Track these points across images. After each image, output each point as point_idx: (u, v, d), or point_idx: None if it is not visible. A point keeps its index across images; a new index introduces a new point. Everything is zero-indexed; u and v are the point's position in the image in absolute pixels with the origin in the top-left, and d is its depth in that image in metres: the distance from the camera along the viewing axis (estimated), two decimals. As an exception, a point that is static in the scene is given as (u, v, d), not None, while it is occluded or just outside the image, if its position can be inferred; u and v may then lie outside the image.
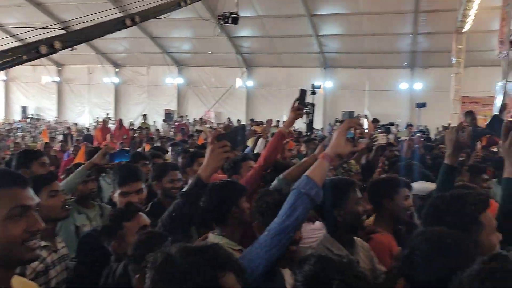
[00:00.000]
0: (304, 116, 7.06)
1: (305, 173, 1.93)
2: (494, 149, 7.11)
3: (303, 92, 3.12)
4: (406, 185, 2.80)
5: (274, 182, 2.64)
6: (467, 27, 14.94)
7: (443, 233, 1.65)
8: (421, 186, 3.49)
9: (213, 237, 2.34)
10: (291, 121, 3.16)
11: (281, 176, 2.67)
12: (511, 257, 0.84)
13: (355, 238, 2.39)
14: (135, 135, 12.72)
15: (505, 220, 2.02)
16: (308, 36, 19.37)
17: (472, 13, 13.66)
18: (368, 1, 16.67)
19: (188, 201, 2.16)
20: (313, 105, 7.57)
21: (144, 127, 15.62)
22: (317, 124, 18.75)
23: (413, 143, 4.89)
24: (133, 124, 18.48)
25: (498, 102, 8.39)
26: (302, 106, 3.08)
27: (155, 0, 8.74)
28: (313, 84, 7.16)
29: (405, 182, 2.83)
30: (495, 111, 8.10)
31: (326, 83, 21.14)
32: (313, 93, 7.36)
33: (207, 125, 18.49)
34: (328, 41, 20.13)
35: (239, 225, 2.35)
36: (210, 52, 21.82)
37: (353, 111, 19.26)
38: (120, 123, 14.42)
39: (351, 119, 2.15)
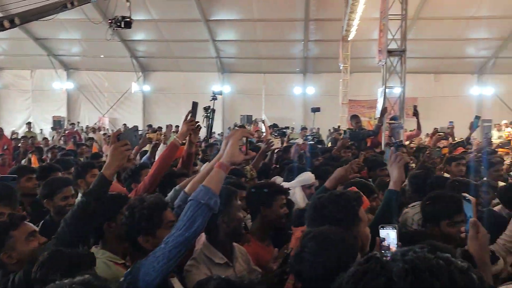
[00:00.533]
0: (204, 120, 7.07)
1: (203, 183, 1.97)
2: (378, 150, 7.76)
3: (195, 105, 3.23)
4: (283, 191, 2.90)
5: (171, 193, 2.60)
6: (351, 36, 16.12)
7: (327, 231, 1.81)
8: (305, 177, 3.92)
9: (96, 251, 2.30)
10: (184, 134, 3.20)
11: (177, 187, 2.64)
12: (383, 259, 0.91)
13: (233, 243, 2.43)
14: (18, 145, 11.64)
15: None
16: (205, 41, 19.42)
17: (355, 23, 14.78)
18: (262, 8, 17.20)
19: (92, 200, 2.17)
20: (213, 111, 7.60)
21: (29, 136, 14.35)
22: (217, 128, 18.87)
23: (300, 148, 5.19)
24: (16, 133, 16.91)
25: (379, 105, 9.19)
26: (194, 119, 3.15)
27: (40, 0, 8.08)
28: (213, 91, 7.20)
29: (283, 189, 2.94)
30: (378, 114, 8.85)
31: (224, 88, 21.35)
32: (214, 99, 7.39)
33: (101, 132, 17.60)
34: (225, 46, 20.38)
35: (119, 240, 2.30)
36: (102, 56, 20.82)
37: (251, 115, 19.71)
38: (-1, 132, 13.07)
39: (243, 129, 2.24)
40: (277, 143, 4.59)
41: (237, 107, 21.72)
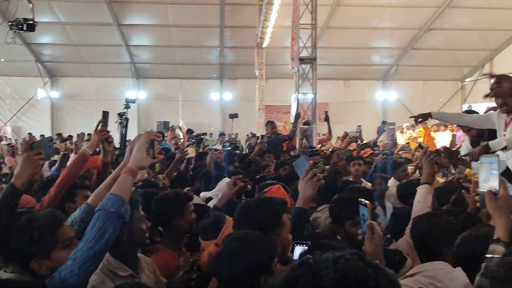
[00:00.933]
0: (119, 127, 6.83)
1: (110, 191, 1.88)
2: (293, 153, 8.02)
3: (106, 114, 3.13)
4: (190, 197, 2.92)
5: (76, 212, 2.45)
6: (266, 43, 16.55)
7: (248, 233, 1.87)
8: (224, 184, 3.87)
9: (1, 274, 2.06)
10: (95, 144, 3.08)
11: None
12: (316, 265, 0.93)
13: (138, 254, 2.38)
14: None
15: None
16: (118, 45, 18.78)
17: (269, 31, 15.19)
18: (176, 14, 17.04)
19: (2, 212, 2.01)
20: (127, 119, 7.38)
21: None
22: (132, 136, 18.25)
23: (216, 156, 5.26)
24: None
25: (293, 111, 9.52)
26: (105, 128, 3.05)
27: None
28: (126, 99, 6.96)
29: (188, 195, 2.96)
30: (292, 119, 9.15)
31: (139, 94, 20.86)
32: (127, 107, 7.17)
33: (3, 142, 16.26)
34: (139, 51, 19.85)
35: None
36: (3, 60, 19.22)
37: (168, 121, 19.38)
38: None
39: (149, 132, 2.19)
40: (191, 152, 4.56)
41: (153, 113, 21.22)
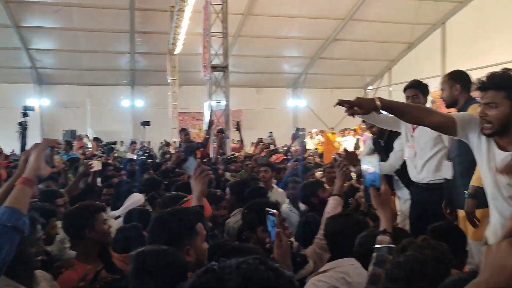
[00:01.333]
0: (20, 137, 6.34)
1: (5, 204, 1.75)
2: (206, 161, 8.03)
3: None
4: (101, 208, 2.89)
5: None
6: (178, 50, 16.40)
7: (159, 248, 1.85)
8: (134, 200, 3.93)
9: None
10: None
11: None
12: (220, 270, 0.94)
13: (37, 271, 2.27)
14: None
15: None
16: (16, 49, 17.40)
17: (181, 37, 15.08)
18: (83, 17, 16.22)
19: None
20: (25, 128, 6.87)
21: None
22: (35, 145, 16.99)
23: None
24: None
25: (206, 118, 9.56)
26: None
27: None
28: (24, 106, 6.47)
29: (99, 206, 2.91)
30: (205, 126, 9.18)
31: (42, 101, 19.56)
32: (25, 115, 6.67)
33: None
34: (42, 55, 18.57)
35: None
36: None
37: (75, 130, 18.36)
38: None
39: (47, 139, 2.07)
40: (97, 165, 4.37)
41: (58, 121, 19.92)
